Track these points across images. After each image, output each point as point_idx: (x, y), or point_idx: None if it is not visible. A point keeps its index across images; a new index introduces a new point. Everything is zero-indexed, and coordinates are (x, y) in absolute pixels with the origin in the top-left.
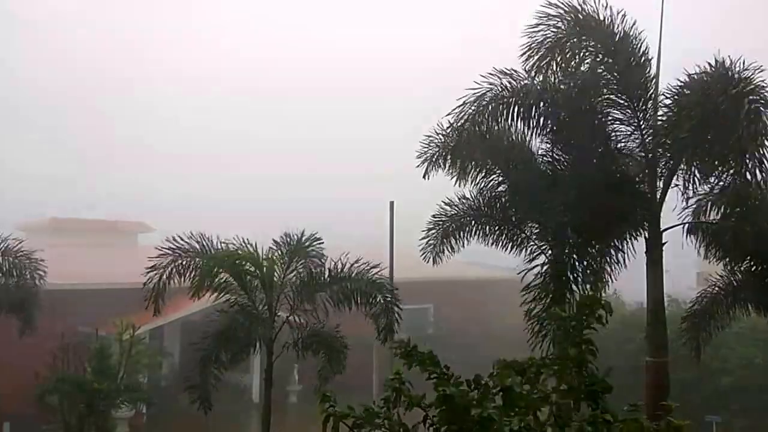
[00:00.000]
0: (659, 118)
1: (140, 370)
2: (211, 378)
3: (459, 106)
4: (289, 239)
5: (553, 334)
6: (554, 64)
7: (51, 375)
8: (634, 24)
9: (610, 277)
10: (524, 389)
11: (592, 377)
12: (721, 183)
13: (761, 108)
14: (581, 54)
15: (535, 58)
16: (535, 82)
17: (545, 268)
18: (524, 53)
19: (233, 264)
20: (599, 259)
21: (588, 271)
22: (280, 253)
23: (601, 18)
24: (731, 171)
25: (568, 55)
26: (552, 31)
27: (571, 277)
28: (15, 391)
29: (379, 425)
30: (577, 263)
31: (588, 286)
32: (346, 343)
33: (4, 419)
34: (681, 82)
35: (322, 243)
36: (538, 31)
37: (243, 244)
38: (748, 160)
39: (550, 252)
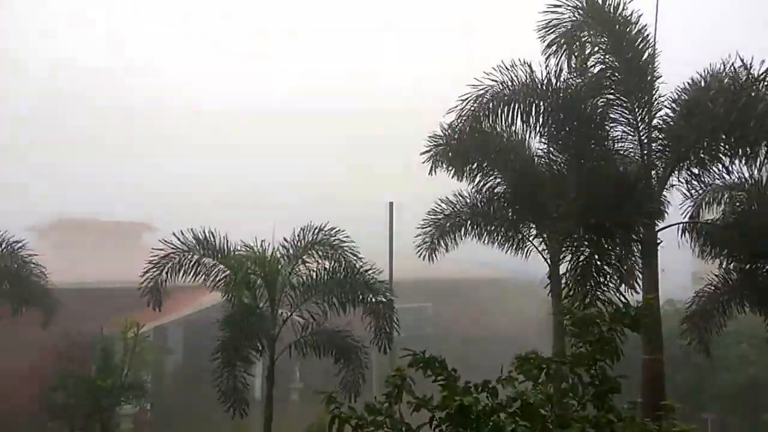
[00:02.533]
0: (657, 119)
1: (144, 367)
2: (240, 380)
3: (460, 104)
4: (303, 233)
5: (560, 331)
6: (572, 52)
7: (56, 373)
8: (645, 26)
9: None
10: (538, 385)
11: (603, 377)
12: (719, 183)
13: None
14: (592, 48)
15: (551, 38)
16: (540, 69)
17: (569, 269)
18: (543, 29)
19: (243, 266)
20: (621, 257)
21: (608, 270)
22: (285, 250)
23: (618, 15)
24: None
25: (583, 46)
26: (572, 17)
27: (598, 277)
28: (21, 389)
29: (380, 424)
30: (598, 262)
31: (617, 285)
32: (362, 343)
33: (12, 417)
34: (682, 83)
35: (346, 233)
36: (559, 13)
37: (249, 246)
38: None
39: (548, 252)
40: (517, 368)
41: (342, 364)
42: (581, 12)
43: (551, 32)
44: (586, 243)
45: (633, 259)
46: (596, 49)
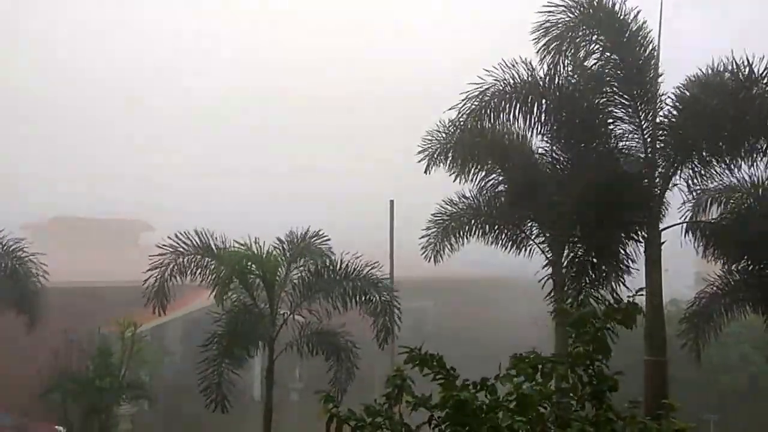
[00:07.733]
0: (660, 117)
1: (142, 367)
2: (226, 378)
3: (461, 101)
4: (294, 237)
5: (560, 331)
6: (564, 52)
7: (54, 373)
8: (644, 23)
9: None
10: (537, 385)
11: (600, 375)
12: (722, 182)
13: None
14: (591, 47)
15: (546, 39)
16: (542, 67)
17: (564, 267)
18: (537, 31)
19: (240, 265)
20: (614, 257)
21: (598, 271)
22: (282, 250)
23: (617, 12)
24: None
25: (578, 44)
26: (567, 16)
27: (593, 275)
28: (19, 389)
29: (379, 425)
30: (595, 260)
31: (608, 285)
32: (354, 342)
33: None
34: (684, 81)
35: (328, 240)
36: (554, 12)
37: (245, 244)
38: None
39: (549, 251)
40: (514, 367)
41: (333, 362)
42: (575, 12)
43: (545, 35)
44: (578, 240)
45: (630, 257)
46: (594, 47)
